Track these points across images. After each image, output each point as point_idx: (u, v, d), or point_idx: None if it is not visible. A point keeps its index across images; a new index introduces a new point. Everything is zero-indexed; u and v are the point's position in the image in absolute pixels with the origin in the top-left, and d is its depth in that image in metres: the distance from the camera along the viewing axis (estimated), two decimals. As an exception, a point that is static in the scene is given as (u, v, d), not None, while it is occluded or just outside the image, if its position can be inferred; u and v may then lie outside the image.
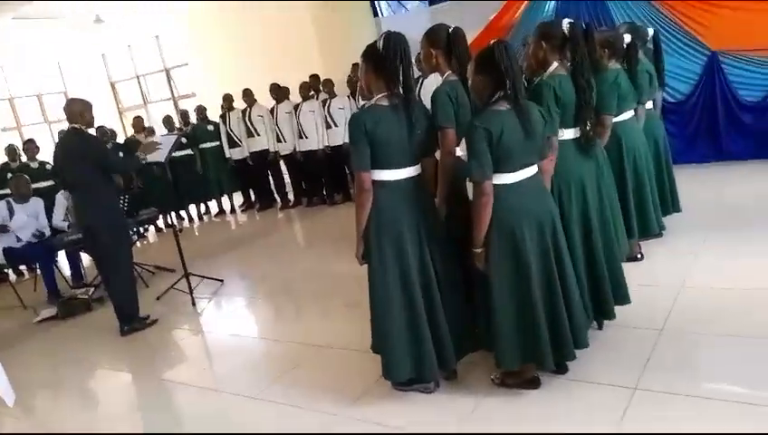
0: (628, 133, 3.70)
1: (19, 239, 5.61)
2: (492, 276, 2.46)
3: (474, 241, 2.46)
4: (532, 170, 2.52)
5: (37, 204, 5.87)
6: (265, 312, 4.51)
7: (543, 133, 2.54)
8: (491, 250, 2.45)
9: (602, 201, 3.01)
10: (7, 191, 6.96)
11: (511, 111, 2.41)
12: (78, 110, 4.23)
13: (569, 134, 2.94)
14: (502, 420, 2.45)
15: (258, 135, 8.02)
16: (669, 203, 4.12)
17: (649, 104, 4.05)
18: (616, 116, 3.47)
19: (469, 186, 2.52)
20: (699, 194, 4.88)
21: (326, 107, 7.48)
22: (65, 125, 4.37)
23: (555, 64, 2.87)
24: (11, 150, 7.43)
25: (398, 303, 2.58)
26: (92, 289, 5.38)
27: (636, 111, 3.83)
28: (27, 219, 5.66)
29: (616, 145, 3.61)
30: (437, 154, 2.77)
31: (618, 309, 2.89)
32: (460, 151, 2.65)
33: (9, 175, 7.15)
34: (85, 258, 6.21)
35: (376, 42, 2.57)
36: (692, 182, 5.00)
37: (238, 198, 8.84)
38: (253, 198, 8.69)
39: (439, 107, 2.68)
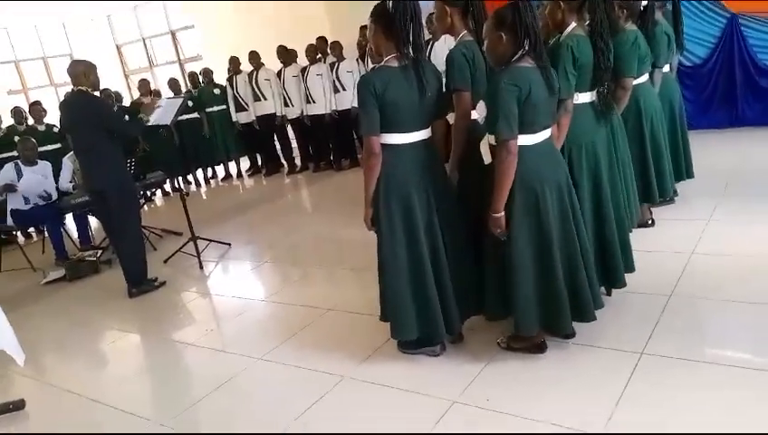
0: (646, 96, 3.62)
1: (27, 202, 5.62)
2: (513, 240, 2.41)
3: (494, 205, 2.38)
4: (548, 132, 2.47)
5: (45, 167, 5.85)
6: (272, 275, 4.52)
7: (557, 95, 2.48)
8: (513, 213, 2.40)
9: (613, 168, 2.95)
10: (15, 154, 6.98)
11: (536, 68, 2.34)
12: (81, 70, 4.16)
13: (584, 98, 2.87)
14: (507, 384, 2.46)
15: (265, 99, 7.93)
16: (683, 169, 4.04)
17: (666, 68, 3.95)
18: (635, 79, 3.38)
19: (484, 150, 2.47)
20: (713, 160, 4.80)
21: (334, 70, 7.36)
22: (71, 88, 4.31)
23: (573, 25, 2.79)
24: (17, 113, 7.41)
25: (406, 265, 2.56)
26: (100, 251, 5.42)
27: (651, 74, 3.73)
28: (37, 181, 5.65)
29: (634, 108, 3.54)
30: (451, 117, 2.71)
31: (626, 275, 2.86)
32: (476, 114, 2.59)
33: (16, 138, 7.16)
34: (93, 221, 6.23)
35: (385, 1, 2.48)
36: (706, 148, 4.91)
37: (245, 163, 8.81)
38: (259, 162, 8.66)
39: (455, 68, 2.60)
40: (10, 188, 5.51)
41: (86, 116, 4.14)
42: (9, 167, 5.68)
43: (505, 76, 2.32)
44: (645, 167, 3.63)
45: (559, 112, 2.63)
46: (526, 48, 2.34)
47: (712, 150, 5.12)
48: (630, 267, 2.91)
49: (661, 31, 3.75)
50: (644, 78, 3.63)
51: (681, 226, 3.74)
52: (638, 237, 3.00)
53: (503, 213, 2.39)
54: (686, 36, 5.12)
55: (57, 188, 5.84)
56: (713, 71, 6.01)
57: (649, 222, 3.76)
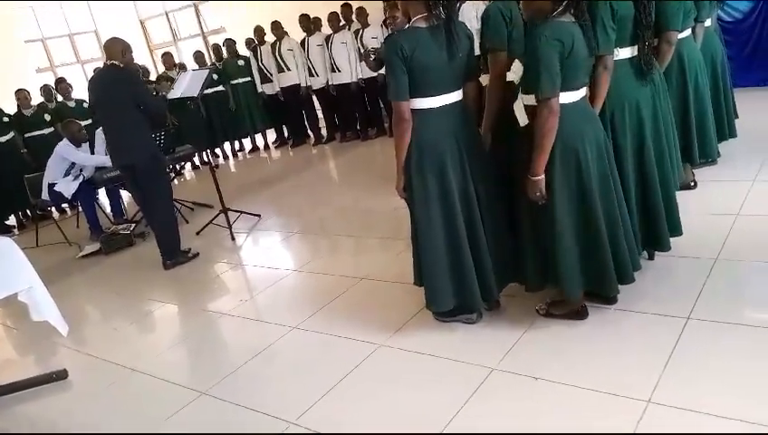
0: (690, 51, 3.46)
1: (66, 174, 5.65)
2: (554, 204, 2.33)
3: (535, 168, 2.27)
4: (584, 91, 2.38)
5: (86, 145, 5.87)
6: (302, 246, 4.52)
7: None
8: (553, 176, 2.31)
9: (659, 127, 2.83)
10: (44, 132, 7.06)
11: (575, 23, 2.23)
12: (119, 48, 4.18)
13: (624, 53, 2.74)
14: (548, 351, 2.41)
15: (288, 69, 7.84)
16: (725, 128, 3.88)
17: (708, 22, 3.76)
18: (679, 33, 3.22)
19: (518, 112, 2.38)
20: (756, 119, 4.57)
21: (359, 37, 7.23)
22: (97, 65, 4.31)
23: None
24: (47, 91, 7.47)
25: (441, 231, 2.51)
26: (133, 225, 5.48)
27: (694, 29, 3.56)
28: (89, 159, 5.69)
29: (677, 64, 3.39)
30: (485, 79, 2.61)
31: (672, 239, 2.76)
32: (511, 75, 2.48)
33: (47, 115, 7.23)
34: (125, 195, 6.30)
35: None
36: (748, 106, 4.68)
37: (271, 135, 8.79)
38: (286, 134, 8.62)
39: (491, 26, 2.49)
40: (77, 176, 5.56)
41: (118, 89, 4.14)
42: (66, 145, 5.58)
43: (547, 30, 2.20)
44: (687, 126, 3.48)
45: (598, 70, 2.51)
46: (568, 2, 2.22)
47: (755, 109, 4.88)
48: (677, 230, 2.81)
49: (704, -18, 3.56)
50: (687, 32, 3.46)
51: (725, 187, 3.60)
52: (680, 200, 2.88)
53: (543, 176, 2.30)
54: (728, -11, 4.89)
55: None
56: (755, 25, 5.72)
57: (692, 184, 3.62)
